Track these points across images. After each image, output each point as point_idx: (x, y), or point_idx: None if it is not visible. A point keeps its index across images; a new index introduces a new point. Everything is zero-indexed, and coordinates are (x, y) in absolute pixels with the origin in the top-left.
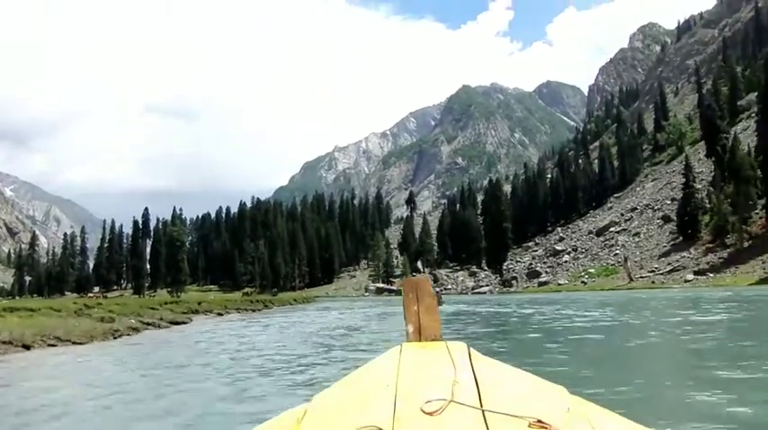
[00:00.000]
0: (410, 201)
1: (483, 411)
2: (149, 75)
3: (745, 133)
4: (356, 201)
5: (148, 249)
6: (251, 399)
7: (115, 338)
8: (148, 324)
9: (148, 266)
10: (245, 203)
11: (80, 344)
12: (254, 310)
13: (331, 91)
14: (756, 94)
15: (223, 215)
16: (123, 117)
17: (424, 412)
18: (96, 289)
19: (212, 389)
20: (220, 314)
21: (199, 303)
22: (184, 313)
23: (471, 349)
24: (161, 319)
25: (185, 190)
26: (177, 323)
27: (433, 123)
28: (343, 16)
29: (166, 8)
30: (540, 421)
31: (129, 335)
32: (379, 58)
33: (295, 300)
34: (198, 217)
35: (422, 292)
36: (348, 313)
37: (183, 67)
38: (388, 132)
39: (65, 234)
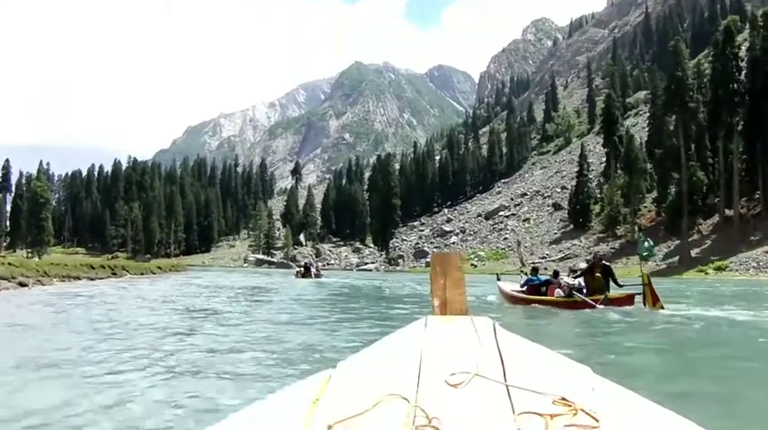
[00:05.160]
0: (296, 172)
1: (507, 386)
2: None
3: (633, 129)
4: (239, 169)
5: (9, 206)
6: None
7: None
8: None
9: (8, 224)
10: (119, 162)
11: None
12: (92, 279)
13: (221, 56)
14: (645, 92)
15: (95, 173)
16: None
17: (448, 384)
18: None
19: None
20: (23, 285)
21: None
22: None
23: (496, 324)
24: None
25: (54, 145)
26: None
27: (322, 97)
28: None
29: None
30: (564, 399)
31: None
32: (274, 27)
33: (159, 268)
34: (67, 174)
35: (449, 267)
36: (214, 287)
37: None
38: (276, 102)
39: None
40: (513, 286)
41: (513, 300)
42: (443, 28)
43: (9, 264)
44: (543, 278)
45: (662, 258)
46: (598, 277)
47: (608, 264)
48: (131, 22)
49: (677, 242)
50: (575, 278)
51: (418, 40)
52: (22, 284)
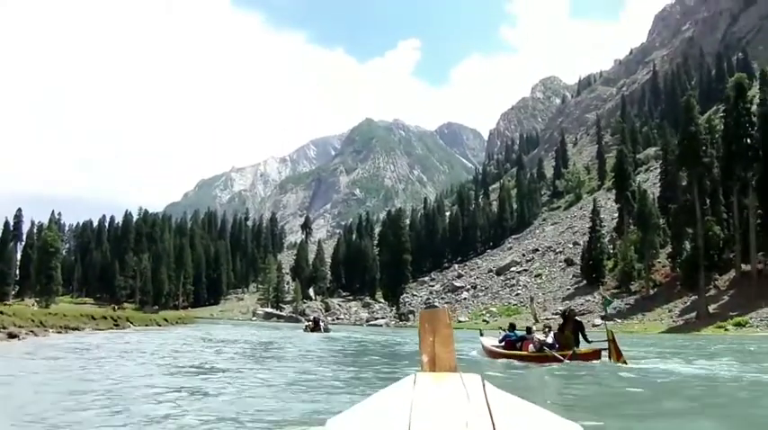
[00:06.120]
0: (306, 226)
1: None
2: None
3: (644, 185)
4: (250, 223)
5: (19, 255)
6: None
7: None
8: None
9: (17, 273)
10: (130, 214)
11: None
12: (91, 330)
13: (234, 112)
14: (654, 149)
15: (106, 224)
16: None
17: None
18: None
19: None
20: (13, 336)
21: None
22: None
23: (485, 381)
24: None
25: (66, 195)
26: None
27: (333, 153)
28: (256, 38)
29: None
30: None
31: None
32: (286, 84)
33: (166, 320)
34: (78, 224)
35: (438, 324)
36: (220, 341)
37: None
38: (287, 158)
39: None
40: (493, 341)
41: (491, 354)
42: (452, 86)
43: (1, 313)
44: (519, 334)
45: (678, 314)
46: (568, 334)
47: (580, 320)
48: (147, 76)
49: (693, 298)
50: (547, 334)
51: (428, 98)
52: (11, 336)
